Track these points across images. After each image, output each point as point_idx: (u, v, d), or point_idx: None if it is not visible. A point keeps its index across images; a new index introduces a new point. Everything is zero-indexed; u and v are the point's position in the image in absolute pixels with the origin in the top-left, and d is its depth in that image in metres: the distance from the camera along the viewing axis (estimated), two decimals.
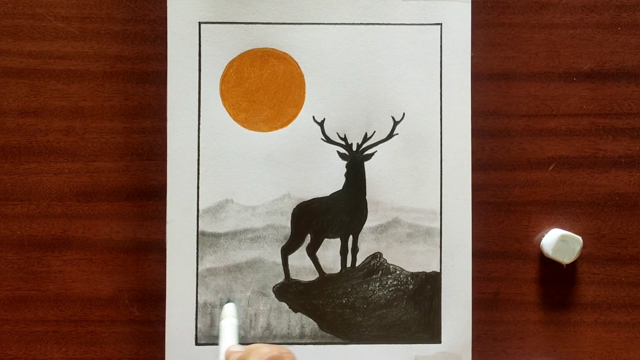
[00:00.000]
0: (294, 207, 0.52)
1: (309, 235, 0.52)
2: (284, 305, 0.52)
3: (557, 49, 0.53)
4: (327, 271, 0.52)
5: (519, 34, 0.53)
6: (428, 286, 0.52)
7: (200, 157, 0.52)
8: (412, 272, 0.52)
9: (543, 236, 0.53)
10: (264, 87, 0.52)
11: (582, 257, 0.53)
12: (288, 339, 0.52)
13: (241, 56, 0.52)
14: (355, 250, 0.52)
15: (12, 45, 0.52)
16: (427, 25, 0.52)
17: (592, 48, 0.53)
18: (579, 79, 0.53)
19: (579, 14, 0.53)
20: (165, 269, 0.51)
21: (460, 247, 0.52)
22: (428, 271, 0.52)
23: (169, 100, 0.51)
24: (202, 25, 0.52)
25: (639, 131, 0.54)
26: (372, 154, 0.52)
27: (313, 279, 0.52)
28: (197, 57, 0.52)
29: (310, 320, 0.52)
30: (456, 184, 0.52)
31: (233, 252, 0.52)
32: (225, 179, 0.52)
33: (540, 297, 0.53)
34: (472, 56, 0.52)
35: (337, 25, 0.52)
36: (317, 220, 0.52)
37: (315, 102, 0.52)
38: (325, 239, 0.52)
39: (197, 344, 0.52)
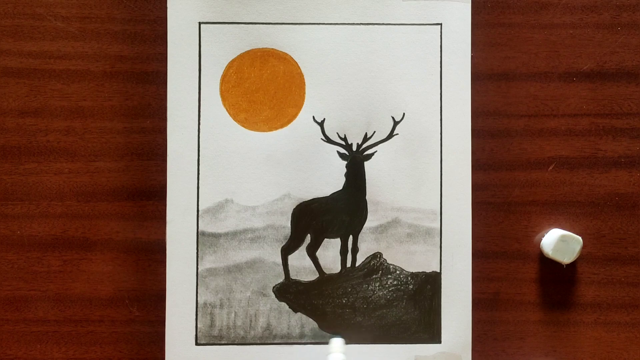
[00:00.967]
0: (294, 207, 0.52)
1: (309, 235, 0.52)
2: (284, 305, 0.52)
3: (557, 49, 0.53)
4: (327, 271, 0.52)
5: (519, 34, 0.53)
6: (428, 286, 0.52)
7: (200, 157, 0.52)
8: (412, 272, 0.52)
9: (543, 236, 0.53)
10: (264, 87, 0.52)
11: (582, 257, 0.53)
12: (288, 339, 0.52)
13: (241, 56, 0.52)
14: (355, 250, 0.52)
15: (12, 45, 0.52)
16: (427, 25, 0.52)
17: (592, 48, 0.53)
18: (579, 79, 0.53)
19: (579, 14, 0.53)
20: (165, 269, 0.51)
21: (460, 247, 0.52)
22: (428, 271, 0.52)
23: (169, 100, 0.51)
24: (202, 25, 0.52)
25: (639, 131, 0.54)
26: (372, 154, 0.52)
27: (313, 279, 0.52)
28: (197, 57, 0.52)
29: (310, 320, 0.52)
30: (456, 184, 0.52)
31: (233, 252, 0.52)
32: (225, 179, 0.52)
33: (540, 297, 0.53)
34: (472, 56, 0.52)
35: (337, 25, 0.52)
36: (317, 220, 0.52)
37: (315, 102, 0.52)
38: (325, 239, 0.53)
39: (197, 344, 0.52)
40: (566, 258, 0.52)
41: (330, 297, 0.52)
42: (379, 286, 0.52)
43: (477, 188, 0.53)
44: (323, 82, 0.52)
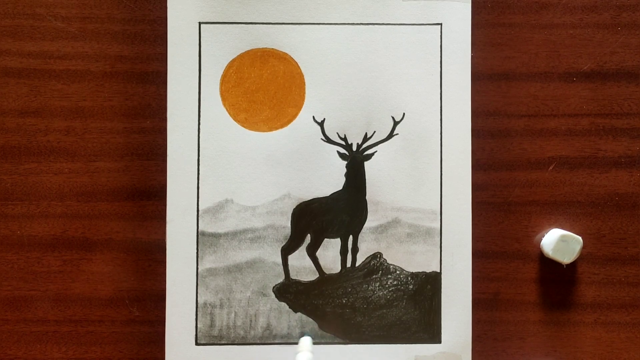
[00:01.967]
0: (294, 207, 0.52)
1: (309, 235, 0.52)
2: (284, 305, 0.52)
3: (557, 49, 0.53)
4: (327, 271, 0.52)
5: (519, 34, 0.53)
6: (428, 286, 0.52)
7: (200, 157, 0.52)
8: (412, 272, 0.52)
9: (543, 236, 0.53)
10: (264, 87, 0.52)
11: (582, 257, 0.53)
12: (288, 339, 0.52)
13: (241, 56, 0.52)
14: (355, 250, 0.52)
15: (12, 45, 0.52)
16: (427, 25, 0.52)
17: (592, 48, 0.53)
18: (579, 79, 0.53)
19: (579, 14, 0.53)
20: (165, 269, 0.51)
21: (460, 247, 0.52)
22: (428, 271, 0.52)
23: (169, 100, 0.51)
24: (202, 25, 0.52)
25: (639, 131, 0.54)
26: (372, 154, 0.52)
27: (313, 279, 0.52)
28: (197, 57, 0.52)
29: (310, 320, 0.52)
30: (456, 184, 0.52)
31: (233, 252, 0.52)
32: (225, 179, 0.52)
33: (540, 297, 0.53)
34: (472, 56, 0.52)
35: (337, 25, 0.52)
36: (317, 220, 0.52)
37: (315, 102, 0.52)
38: (325, 239, 0.53)
39: (197, 344, 0.52)
40: (566, 258, 0.52)
41: (330, 297, 0.52)
42: (379, 286, 0.52)
43: (477, 188, 0.53)
44: (323, 82, 0.52)
